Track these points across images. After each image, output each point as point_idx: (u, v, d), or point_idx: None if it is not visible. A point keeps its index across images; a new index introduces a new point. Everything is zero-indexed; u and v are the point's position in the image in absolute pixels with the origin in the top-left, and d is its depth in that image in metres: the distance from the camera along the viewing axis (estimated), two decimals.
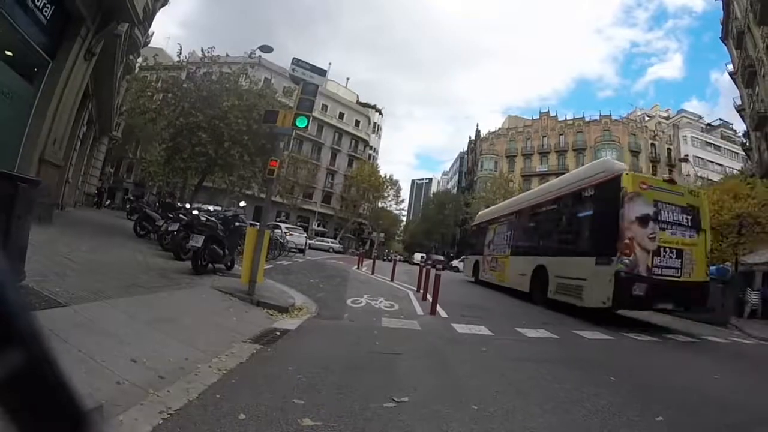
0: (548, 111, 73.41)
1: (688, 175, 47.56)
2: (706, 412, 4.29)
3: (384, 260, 36.00)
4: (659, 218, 10.45)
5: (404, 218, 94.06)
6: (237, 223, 12.29)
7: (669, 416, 4.02)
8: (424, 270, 12.44)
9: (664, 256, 10.28)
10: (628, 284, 9.82)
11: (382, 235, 70.79)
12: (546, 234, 14.49)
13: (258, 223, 8.93)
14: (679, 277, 10.32)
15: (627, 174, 10.84)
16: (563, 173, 58.68)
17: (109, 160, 41.61)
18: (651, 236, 10.22)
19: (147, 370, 3.66)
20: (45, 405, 0.54)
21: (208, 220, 10.89)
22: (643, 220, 10.25)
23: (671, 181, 11.75)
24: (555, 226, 14.01)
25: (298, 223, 50.79)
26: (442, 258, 26.66)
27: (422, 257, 28.48)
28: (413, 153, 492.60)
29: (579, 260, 11.59)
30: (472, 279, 21.29)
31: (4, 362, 0.50)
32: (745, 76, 30.63)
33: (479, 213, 25.21)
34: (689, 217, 10.82)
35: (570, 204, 13.19)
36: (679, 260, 10.39)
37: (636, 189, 10.41)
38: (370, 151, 79.54)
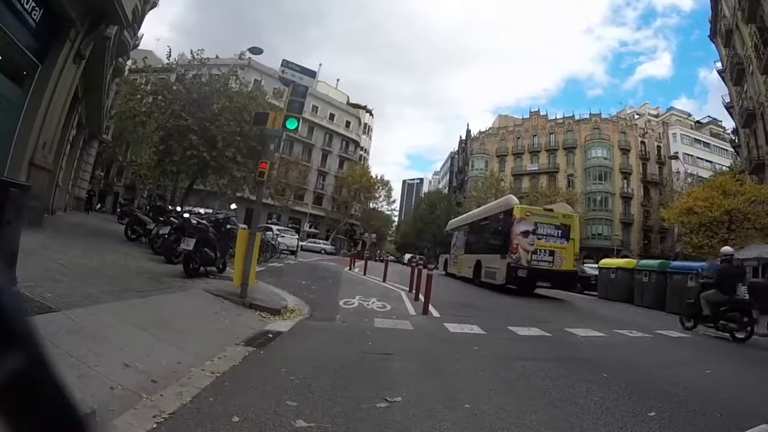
0: (538, 110, 73.81)
1: (678, 172, 47.88)
2: (698, 407, 4.33)
3: (376, 261, 36.03)
4: (537, 232, 16.37)
5: (396, 219, 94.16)
6: (228, 226, 12.25)
7: (661, 411, 4.05)
8: (416, 270, 12.52)
9: (540, 254, 16.18)
10: (514, 270, 15.85)
11: (373, 235, 70.85)
12: (480, 240, 20.93)
13: (247, 226, 8.92)
14: (551, 267, 16.22)
15: (517, 207, 17.05)
16: (554, 172, 59.56)
17: (99, 164, 41.32)
18: (531, 242, 16.16)
19: (140, 374, 3.66)
20: (42, 408, 0.55)
21: (199, 223, 10.84)
22: (525, 233, 16.23)
23: (549, 210, 17.79)
24: (484, 235, 20.59)
25: (290, 225, 50.63)
26: (420, 257, 30.02)
27: (410, 257, 35.74)
28: (404, 153, 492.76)
29: (494, 256, 17.48)
30: (443, 272, 25.73)
31: (2, 365, 0.52)
32: (734, 74, 30.87)
33: (449, 222, 30.82)
34: (560, 231, 16.72)
35: (491, 222, 20.05)
36: (552, 257, 16.31)
37: (522, 216, 16.55)
38: (361, 152, 79.51)
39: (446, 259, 26.87)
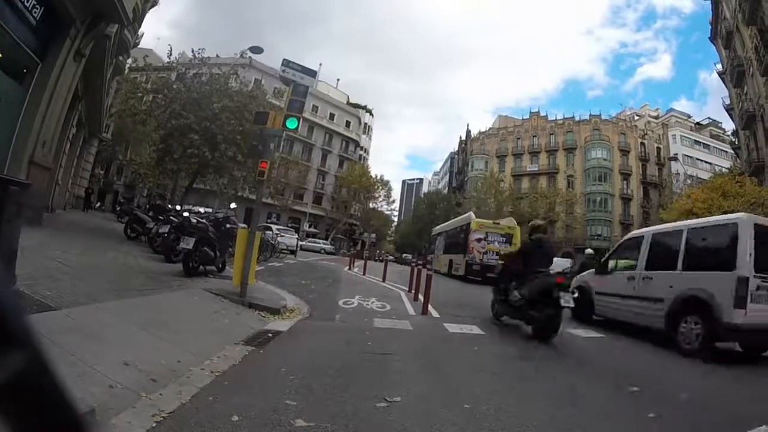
0: (538, 111, 73.73)
1: (678, 173, 47.87)
2: (697, 410, 4.33)
3: (375, 261, 36.09)
4: (487, 239, 22.51)
5: (395, 219, 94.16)
6: (228, 225, 12.25)
7: (661, 413, 4.05)
8: (416, 270, 12.55)
9: (489, 254, 21.64)
10: (470, 265, 21.87)
11: (373, 235, 70.83)
12: (452, 244, 26.98)
13: (247, 225, 8.91)
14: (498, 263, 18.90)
15: (473, 221, 23.64)
16: (554, 173, 59.65)
17: (99, 162, 41.27)
18: (482, 246, 22.25)
19: (139, 373, 3.66)
20: (41, 408, 0.55)
21: (198, 222, 10.84)
22: (478, 240, 22.45)
23: (497, 223, 24.22)
24: (453, 241, 26.74)
25: (289, 225, 50.62)
26: (410, 257, 42.21)
27: (405, 257, 45.20)
28: (404, 153, 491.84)
29: (459, 255, 23.58)
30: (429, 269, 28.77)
31: (1, 365, 0.51)
32: (734, 76, 30.86)
33: (434, 229, 36.99)
34: (505, 238, 22.71)
35: (457, 232, 26.07)
36: (498, 256, 18.71)
37: (476, 227, 23.02)
38: (361, 152, 79.45)
39: (431, 258, 30.00)
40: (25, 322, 0.55)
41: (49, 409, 0.56)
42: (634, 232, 11.04)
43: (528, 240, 9.12)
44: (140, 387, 3.38)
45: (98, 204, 39.42)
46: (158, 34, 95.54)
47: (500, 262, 12.19)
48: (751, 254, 6.81)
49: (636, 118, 74.91)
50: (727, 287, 6.79)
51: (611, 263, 10.39)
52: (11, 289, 0.56)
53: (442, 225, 34.91)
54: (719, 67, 36.69)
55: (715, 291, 6.99)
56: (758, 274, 6.79)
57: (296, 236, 30.08)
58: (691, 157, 58.80)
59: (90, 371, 3.38)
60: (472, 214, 26.45)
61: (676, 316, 7.58)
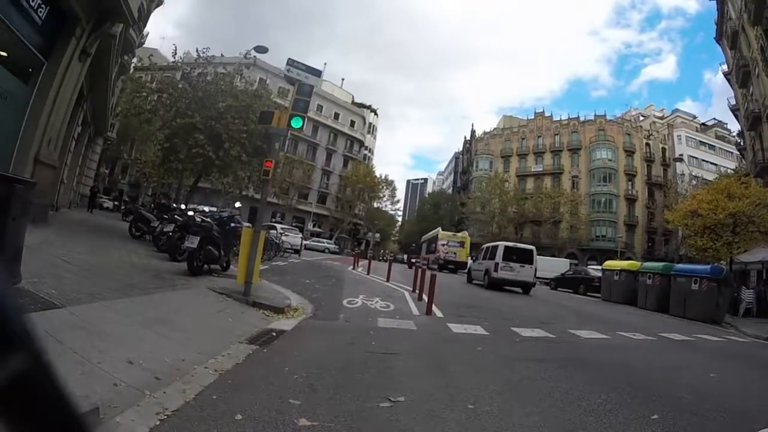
0: (543, 111, 73.50)
1: (683, 174, 47.70)
2: (701, 411, 4.31)
3: (380, 260, 36.38)
4: (448, 244, 35.37)
5: (400, 218, 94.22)
6: (232, 224, 12.24)
7: (664, 414, 4.04)
8: (419, 270, 12.57)
9: (449, 255, 34.35)
10: (437, 261, 31.21)
11: (377, 235, 70.83)
12: (428, 248, 38.45)
13: (252, 225, 8.91)
14: (454, 259, 34.05)
15: (441, 233, 37.38)
16: (559, 173, 59.83)
17: (104, 161, 41.37)
18: (445, 249, 34.84)
19: (143, 371, 3.66)
20: (41, 409, 0.54)
21: (203, 221, 10.85)
22: (443, 245, 35.28)
23: (454, 234, 37.86)
24: (430, 246, 38.33)
25: (294, 224, 50.72)
26: (404, 257, 52.23)
27: (398, 257, 55.49)
28: (408, 153, 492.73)
29: (432, 255, 34.14)
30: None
31: (2, 366, 0.51)
32: (740, 76, 30.73)
33: (422, 237, 47.00)
34: (460, 244, 35.68)
35: (432, 239, 38.78)
36: (455, 255, 34.31)
37: (443, 238, 36.08)
38: (366, 152, 79.42)
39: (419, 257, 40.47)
40: (25, 322, 0.54)
41: (50, 410, 0.55)
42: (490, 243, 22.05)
43: None
44: (144, 385, 3.38)
45: (106, 203, 38.56)
46: (163, 33, 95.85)
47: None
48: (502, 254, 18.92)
49: (641, 118, 74.62)
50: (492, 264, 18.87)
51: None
52: (11, 288, 0.55)
53: (426, 235, 46.19)
54: (725, 67, 36.58)
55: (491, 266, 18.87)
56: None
57: (300, 235, 30.14)
58: (696, 158, 58.60)
59: (94, 369, 3.39)
60: (440, 228, 41.15)
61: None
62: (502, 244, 20.26)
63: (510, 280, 19.05)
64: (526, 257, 19.28)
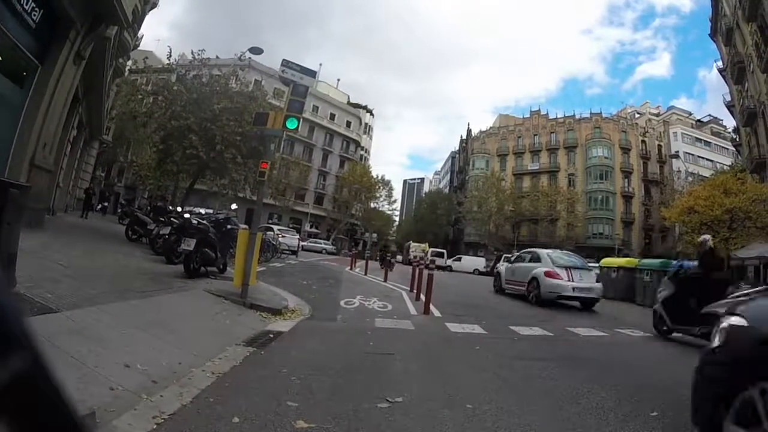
0: (539, 109, 73.77)
1: (679, 171, 47.83)
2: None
3: (377, 261, 36.30)
4: (415, 250, 46.47)
5: (397, 218, 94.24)
6: (229, 226, 12.25)
7: (664, 412, 4.03)
8: (417, 270, 12.58)
9: (415, 257, 39.10)
10: (410, 261, 38.34)
11: (374, 235, 70.83)
12: (407, 253, 49.12)
13: (248, 226, 8.89)
14: (423, 260, 34.19)
15: (411, 244, 51.28)
16: (555, 171, 60.05)
17: (99, 164, 41.22)
18: (414, 253, 44.11)
19: (140, 375, 3.65)
20: (39, 411, 0.54)
21: (199, 223, 10.84)
22: (413, 251, 46.72)
23: (419, 243, 50.57)
24: (407, 251, 49.89)
25: (291, 225, 50.64)
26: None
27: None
28: (405, 153, 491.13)
29: (408, 257, 44.81)
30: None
31: (1, 369, 0.51)
32: (735, 72, 30.85)
33: (406, 243, 55.42)
34: (422, 248, 47.78)
35: (407, 247, 52.23)
36: (418, 257, 37.81)
37: (412, 247, 49.22)
38: (362, 152, 79.49)
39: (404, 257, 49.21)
40: (24, 325, 0.54)
41: (49, 413, 0.56)
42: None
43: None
44: (141, 389, 3.37)
45: (100, 206, 38.13)
46: (158, 35, 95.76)
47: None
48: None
49: (637, 116, 74.91)
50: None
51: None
52: (10, 292, 0.55)
53: (405, 244, 55.41)
54: (719, 64, 36.73)
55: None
56: None
57: (297, 236, 30.16)
58: (692, 154, 58.83)
59: (91, 373, 3.37)
60: (411, 242, 52.41)
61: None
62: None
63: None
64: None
